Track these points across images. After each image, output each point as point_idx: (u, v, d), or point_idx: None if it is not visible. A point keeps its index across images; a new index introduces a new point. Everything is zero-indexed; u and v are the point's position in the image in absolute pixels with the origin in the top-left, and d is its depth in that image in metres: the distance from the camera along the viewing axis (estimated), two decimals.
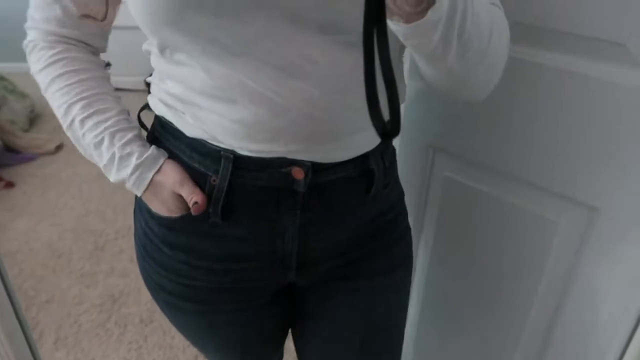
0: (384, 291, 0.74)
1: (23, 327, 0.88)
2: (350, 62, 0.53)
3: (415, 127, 0.92)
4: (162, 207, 0.62)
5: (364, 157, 0.63)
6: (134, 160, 0.61)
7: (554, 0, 0.69)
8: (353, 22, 0.49)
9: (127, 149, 0.61)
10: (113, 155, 0.61)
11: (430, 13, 0.42)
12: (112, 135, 0.61)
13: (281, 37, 0.51)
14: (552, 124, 0.74)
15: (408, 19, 0.43)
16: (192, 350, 1.61)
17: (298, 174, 0.58)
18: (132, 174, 0.61)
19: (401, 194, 0.75)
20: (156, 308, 1.75)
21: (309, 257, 0.66)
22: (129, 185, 0.62)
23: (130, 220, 2.21)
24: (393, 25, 0.44)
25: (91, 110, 0.61)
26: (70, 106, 0.61)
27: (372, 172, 0.64)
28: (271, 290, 0.72)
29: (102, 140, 0.61)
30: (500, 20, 0.54)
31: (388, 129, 0.38)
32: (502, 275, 0.89)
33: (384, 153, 0.66)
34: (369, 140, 0.62)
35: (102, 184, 2.48)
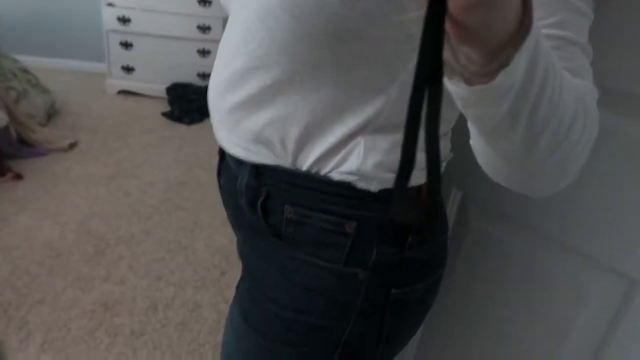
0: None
1: None
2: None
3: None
4: None
5: (238, 160, 0.63)
6: None
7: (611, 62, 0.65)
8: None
9: None
10: None
11: (501, 76, 0.32)
12: None
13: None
14: (599, 187, 0.69)
15: (472, 80, 0.34)
16: None
17: None
18: None
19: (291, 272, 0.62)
20: (149, 320, 1.71)
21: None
22: None
23: (133, 228, 2.18)
24: (452, 87, 0.36)
25: None
26: None
27: (237, 179, 0.64)
28: None
29: None
30: (589, 107, 0.42)
31: (404, 217, 0.34)
32: (521, 336, 0.82)
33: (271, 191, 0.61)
34: (238, 148, 0.62)
35: (110, 186, 2.45)
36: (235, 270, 1.95)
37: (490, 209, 0.84)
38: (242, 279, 0.71)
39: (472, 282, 0.89)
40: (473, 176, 0.80)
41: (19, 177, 2.40)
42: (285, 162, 0.59)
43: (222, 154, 0.70)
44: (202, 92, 3.27)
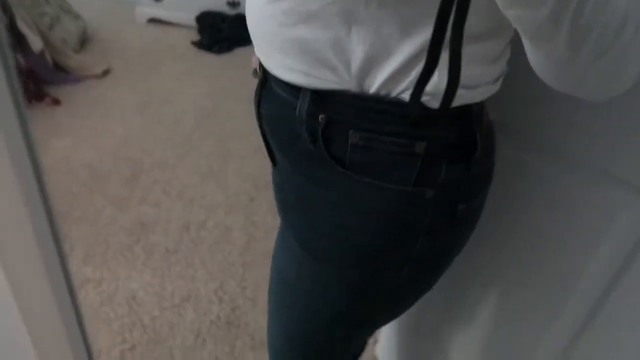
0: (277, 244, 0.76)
1: (56, 240, 0.86)
2: None
3: None
4: None
5: (294, 87, 0.60)
6: None
7: None
8: None
9: None
10: None
11: None
12: None
13: None
14: (623, 106, 0.69)
15: None
16: (213, 285, 1.65)
17: (258, 62, 0.66)
18: None
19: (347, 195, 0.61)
20: (183, 240, 1.81)
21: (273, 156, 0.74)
22: None
23: (167, 153, 2.25)
24: None
25: None
26: None
27: (294, 107, 0.60)
28: None
29: None
30: None
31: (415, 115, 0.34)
32: (547, 261, 0.85)
33: (322, 108, 0.58)
34: (296, 73, 0.58)
35: (145, 114, 2.51)
36: (263, 198, 2.02)
37: (519, 133, 0.84)
38: (290, 209, 0.70)
39: (498, 208, 0.90)
40: (502, 100, 0.81)
41: (56, 102, 2.48)
42: (350, 85, 0.56)
43: (264, 81, 0.66)
44: (231, 20, 3.23)
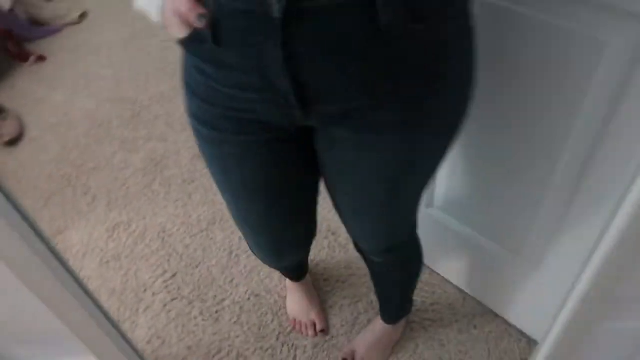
0: (392, 149, 0.69)
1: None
2: None
3: None
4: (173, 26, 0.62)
5: None
6: None
7: None
8: None
9: None
10: None
11: None
12: None
13: None
14: None
15: None
16: None
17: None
18: None
19: (457, 34, 0.63)
20: (196, 168, 1.82)
21: (309, 96, 0.61)
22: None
23: (162, 86, 2.22)
24: None
25: None
26: None
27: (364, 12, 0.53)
28: (285, 130, 0.69)
29: None
30: None
31: None
32: (541, 104, 0.84)
33: None
34: None
35: (130, 49, 2.45)
36: None
37: None
38: (381, 142, 0.68)
39: (492, 55, 0.86)
40: None
41: (42, 58, 2.44)
42: None
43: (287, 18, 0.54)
44: None
